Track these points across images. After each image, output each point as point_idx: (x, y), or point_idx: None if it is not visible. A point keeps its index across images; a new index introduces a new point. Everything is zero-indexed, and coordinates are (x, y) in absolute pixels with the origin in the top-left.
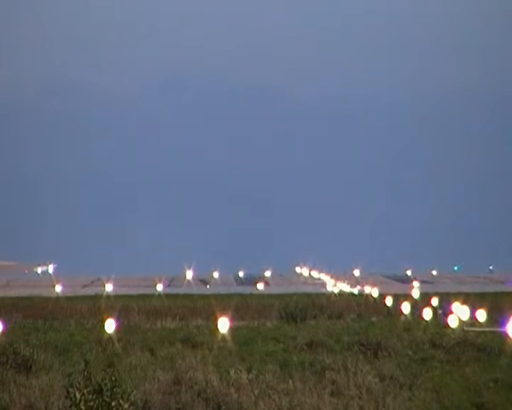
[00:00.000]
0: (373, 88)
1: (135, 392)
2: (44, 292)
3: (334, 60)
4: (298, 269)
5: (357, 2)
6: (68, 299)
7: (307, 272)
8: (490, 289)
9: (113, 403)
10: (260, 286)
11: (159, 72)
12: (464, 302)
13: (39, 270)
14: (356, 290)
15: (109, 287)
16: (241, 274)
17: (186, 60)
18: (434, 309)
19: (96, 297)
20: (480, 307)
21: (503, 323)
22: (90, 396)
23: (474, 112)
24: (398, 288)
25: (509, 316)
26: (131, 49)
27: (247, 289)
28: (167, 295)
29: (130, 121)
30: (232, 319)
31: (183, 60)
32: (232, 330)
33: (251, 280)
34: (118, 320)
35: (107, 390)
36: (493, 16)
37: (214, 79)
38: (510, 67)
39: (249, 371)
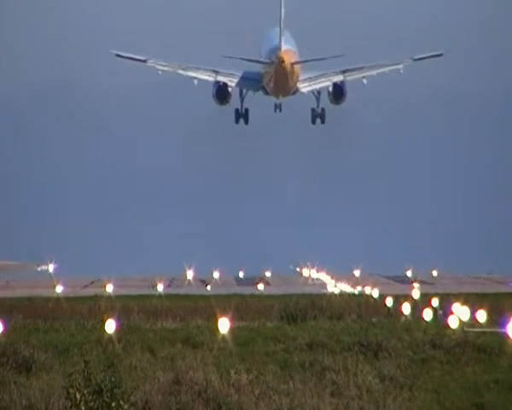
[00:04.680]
0: (374, 84)
1: (135, 392)
2: (45, 292)
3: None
4: (291, 267)
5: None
6: (68, 299)
7: (307, 271)
8: (490, 289)
9: (113, 404)
10: (260, 286)
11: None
12: (464, 303)
13: (39, 269)
14: (356, 291)
15: (109, 287)
16: (241, 274)
17: (184, 57)
18: (435, 310)
19: (97, 298)
20: (481, 307)
21: (503, 324)
22: (91, 397)
23: (469, 111)
24: (399, 288)
25: (510, 317)
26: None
27: (247, 290)
28: (167, 296)
29: (131, 121)
30: (232, 320)
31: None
32: (232, 330)
33: (251, 280)
34: (118, 321)
35: (107, 391)
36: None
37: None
38: None
39: (249, 371)
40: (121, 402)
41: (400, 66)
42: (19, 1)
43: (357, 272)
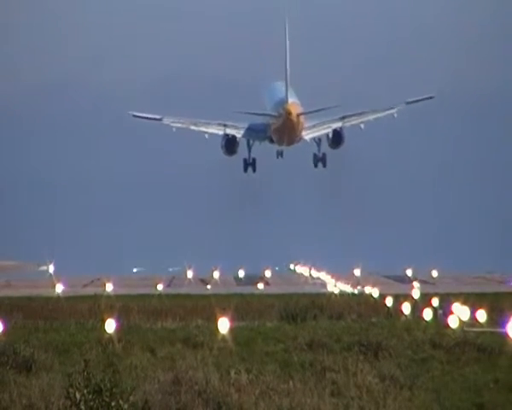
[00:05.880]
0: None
1: (134, 392)
2: (45, 292)
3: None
4: (292, 266)
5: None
6: (68, 299)
7: (307, 271)
8: (490, 289)
9: (113, 403)
10: (260, 286)
11: (156, 70)
12: (464, 303)
13: (39, 269)
14: (356, 291)
15: (109, 287)
16: (241, 274)
17: (184, 58)
18: (435, 309)
19: (96, 297)
20: (480, 307)
21: (503, 323)
22: (90, 396)
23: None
24: (399, 288)
25: (509, 316)
26: (129, 48)
27: (247, 289)
28: (167, 295)
29: (131, 121)
30: (232, 319)
31: (180, 58)
32: (232, 330)
33: (251, 280)
34: (118, 320)
35: (106, 391)
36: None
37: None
38: None
39: (249, 371)
40: (121, 402)
41: (394, 110)
42: (19, 1)
43: (357, 272)
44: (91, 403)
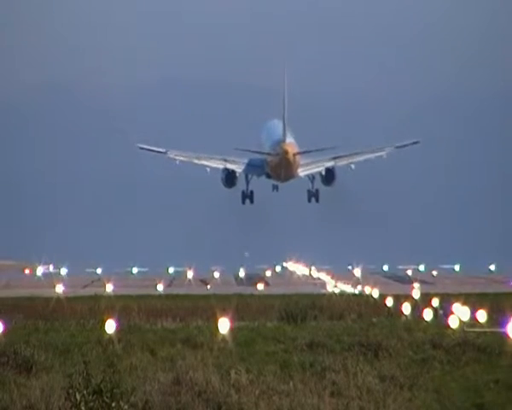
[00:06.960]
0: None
1: (135, 393)
2: (45, 292)
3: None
4: (289, 265)
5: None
6: (69, 299)
7: (299, 268)
8: (490, 289)
9: (113, 404)
10: (260, 286)
11: (155, 72)
12: (465, 303)
13: (39, 271)
14: (356, 291)
15: (109, 287)
16: (241, 274)
17: (185, 60)
18: (435, 310)
19: (97, 297)
20: (481, 307)
21: (503, 323)
22: (90, 397)
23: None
24: (399, 288)
25: (510, 317)
26: (129, 50)
27: (247, 290)
28: (167, 296)
29: (133, 120)
30: (232, 320)
31: (181, 60)
32: (232, 330)
33: (251, 280)
34: (118, 321)
35: (106, 391)
36: None
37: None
38: None
39: (249, 371)
40: (121, 403)
41: (384, 153)
42: (19, 1)
43: (357, 272)
44: (91, 404)
